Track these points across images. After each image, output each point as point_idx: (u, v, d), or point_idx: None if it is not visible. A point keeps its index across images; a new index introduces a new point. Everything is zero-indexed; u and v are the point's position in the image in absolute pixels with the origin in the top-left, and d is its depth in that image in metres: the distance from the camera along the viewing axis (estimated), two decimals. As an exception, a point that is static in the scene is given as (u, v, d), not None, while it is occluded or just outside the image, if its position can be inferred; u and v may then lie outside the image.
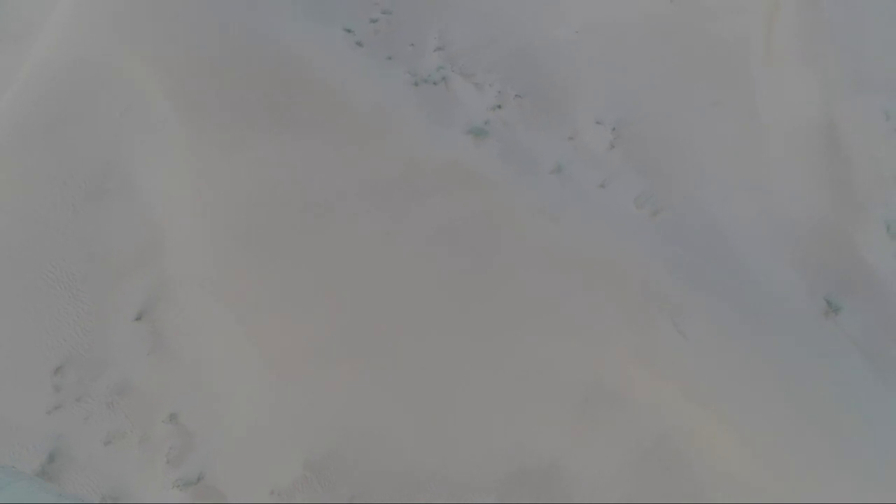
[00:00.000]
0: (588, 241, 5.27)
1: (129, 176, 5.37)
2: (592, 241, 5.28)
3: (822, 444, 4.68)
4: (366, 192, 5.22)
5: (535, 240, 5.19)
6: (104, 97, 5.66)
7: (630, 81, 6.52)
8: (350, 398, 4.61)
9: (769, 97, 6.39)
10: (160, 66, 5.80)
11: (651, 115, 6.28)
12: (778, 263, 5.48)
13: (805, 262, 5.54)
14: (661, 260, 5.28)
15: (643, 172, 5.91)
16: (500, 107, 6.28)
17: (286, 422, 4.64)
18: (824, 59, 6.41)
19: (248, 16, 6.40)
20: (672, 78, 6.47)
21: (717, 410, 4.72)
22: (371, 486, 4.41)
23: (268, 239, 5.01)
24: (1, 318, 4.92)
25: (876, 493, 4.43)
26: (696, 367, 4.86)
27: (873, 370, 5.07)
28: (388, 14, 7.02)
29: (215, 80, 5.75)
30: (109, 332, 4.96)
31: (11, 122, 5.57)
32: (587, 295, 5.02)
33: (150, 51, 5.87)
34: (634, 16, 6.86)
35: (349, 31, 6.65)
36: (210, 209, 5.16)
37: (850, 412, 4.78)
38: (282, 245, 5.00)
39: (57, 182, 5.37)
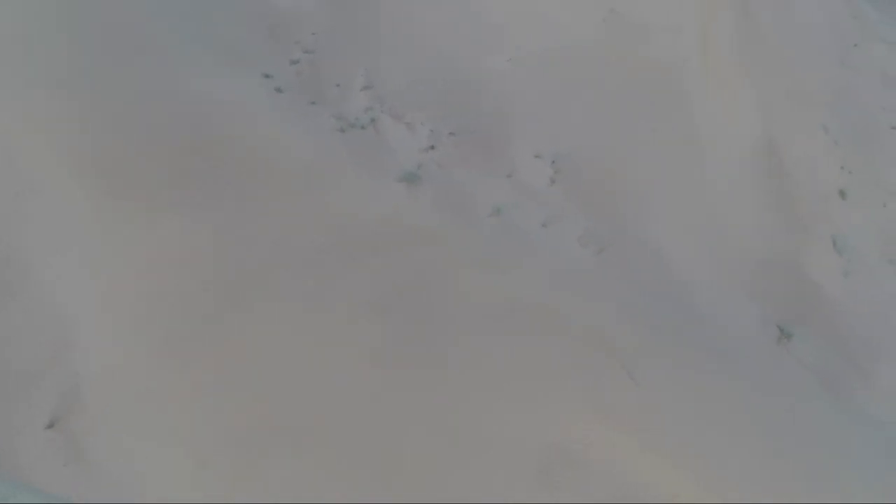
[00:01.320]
0: (533, 291, 5.03)
1: (30, 267, 4.88)
2: (537, 290, 5.05)
3: (790, 483, 4.56)
4: (290, 261, 4.86)
5: (478, 296, 4.93)
6: (-4, 178, 5.14)
7: (567, 110, 6.29)
8: (286, 491, 4.27)
9: (709, 119, 6.25)
10: (62, 140, 5.30)
11: (590, 145, 6.07)
12: (728, 293, 5.35)
13: (756, 290, 5.43)
14: (610, 303, 5.09)
15: (586, 208, 5.70)
16: (433, 147, 5.97)
17: (222, 525, 4.28)
18: (762, 76, 6.31)
19: (157, 73, 5.94)
20: (610, 104, 6.27)
21: (677, 461, 4.56)
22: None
23: (186, 325, 4.61)
24: None
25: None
26: (652, 417, 4.68)
27: (830, 397, 4.99)
28: (311, 53, 6.63)
29: (124, 150, 5.29)
30: (20, 445, 4.49)
31: None
32: (535, 351, 4.78)
33: (48, 123, 5.35)
34: (567, 40, 6.63)
35: (268, 76, 6.24)
36: (123, 298, 4.73)
37: (814, 446, 4.68)
38: (202, 331, 4.60)
39: (-52, 278, 4.84)
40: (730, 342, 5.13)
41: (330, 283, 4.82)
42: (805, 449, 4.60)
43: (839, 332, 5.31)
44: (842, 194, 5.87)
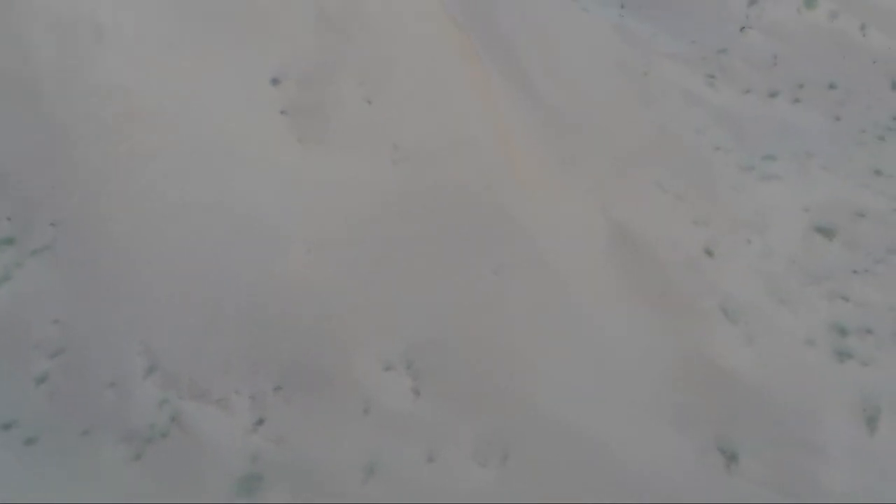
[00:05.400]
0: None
1: None
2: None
3: None
4: None
5: None
6: None
7: (395, 287, 5.26)
8: None
9: (543, 220, 5.51)
10: None
11: (437, 319, 5.09)
12: (663, 436, 4.63)
13: (680, 412, 4.74)
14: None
15: (465, 409, 4.71)
16: (262, 421, 4.70)
17: None
18: (578, 155, 5.66)
19: None
20: (436, 260, 5.31)
21: None
22: None
23: None
24: None
25: None
26: None
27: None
28: (62, 354, 5.04)
29: None
30: None
31: None
32: None
33: None
34: (360, 199, 5.59)
35: (8, 426, 4.62)
36: None
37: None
38: None
39: None
40: (687, 493, 4.41)
41: None
42: None
43: (774, 415, 4.77)
44: (708, 252, 5.37)
